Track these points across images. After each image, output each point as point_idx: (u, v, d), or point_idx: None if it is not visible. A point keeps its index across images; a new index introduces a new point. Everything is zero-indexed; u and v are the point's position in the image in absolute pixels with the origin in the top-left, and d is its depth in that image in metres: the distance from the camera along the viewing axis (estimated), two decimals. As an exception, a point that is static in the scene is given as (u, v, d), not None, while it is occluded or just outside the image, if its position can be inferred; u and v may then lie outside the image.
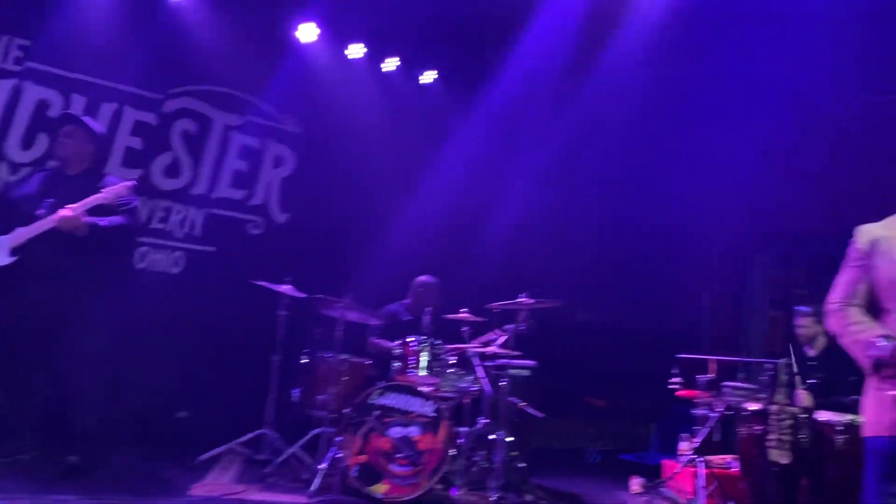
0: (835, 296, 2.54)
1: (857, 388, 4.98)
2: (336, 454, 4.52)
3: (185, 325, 5.68)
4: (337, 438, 4.54)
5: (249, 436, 4.98)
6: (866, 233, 2.49)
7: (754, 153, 7.58)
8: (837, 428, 4.87)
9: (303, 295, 5.06)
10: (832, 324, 2.51)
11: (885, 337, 2.24)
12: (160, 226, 5.95)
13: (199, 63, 5.92)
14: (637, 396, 8.06)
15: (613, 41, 6.15)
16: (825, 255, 7.59)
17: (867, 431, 2.36)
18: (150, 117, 5.83)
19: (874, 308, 2.44)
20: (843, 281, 2.54)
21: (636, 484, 5.83)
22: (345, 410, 4.53)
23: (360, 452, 4.42)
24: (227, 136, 6.25)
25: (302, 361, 5.13)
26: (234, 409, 5.26)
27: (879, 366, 2.26)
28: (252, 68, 6.18)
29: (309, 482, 4.38)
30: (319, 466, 4.45)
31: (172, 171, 6.02)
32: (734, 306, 7.82)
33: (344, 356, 4.97)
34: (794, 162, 7.23)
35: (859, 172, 6.70)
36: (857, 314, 2.45)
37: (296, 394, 5.05)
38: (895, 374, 2.19)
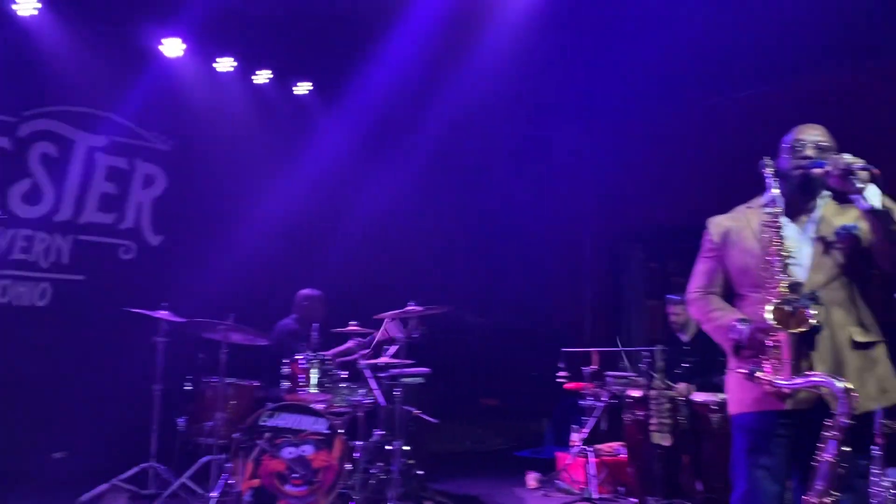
0: (693, 285, 2.70)
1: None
2: (227, 481, 4.38)
3: (56, 359, 5.36)
4: (227, 465, 4.40)
5: (134, 470, 4.74)
6: (717, 225, 2.66)
7: (626, 149, 7.95)
8: (712, 407, 5.18)
9: (181, 319, 4.87)
10: (693, 311, 2.67)
11: (742, 321, 2.40)
12: (22, 256, 5.58)
13: (56, 82, 5.63)
14: (529, 394, 8.27)
15: (479, 40, 6.27)
16: (697, 246, 8.09)
17: (732, 409, 2.52)
18: (3, 142, 5.47)
19: (730, 294, 2.61)
20: (700, 271, 2.70)
21: (532, 479, 5.98)
22: (234, 435, 4.39)
23: (253, 477, 4.30)
24: (92, 158, 5.95)
25: (185, 389, 4.93)
26: (115, 445, 5.01)
27: (738, 348, 2.42)
28: (113, 85, 5.93)
29: (201, 513, 4.23)
30: (211, 495, 4.29)
31: (32, 197, 5.66)
32: (613, 299, 8.17)
33: (230, 380, 4.82)
34: (665, 157, 7.61)
35: (729, 166, 7.14)
36: (715, 301, 2.61)
37: (181, 423, 4.85)
38: (753, 354, 2.34)
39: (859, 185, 2.21)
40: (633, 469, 5.40)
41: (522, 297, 8.56)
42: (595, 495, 5.21)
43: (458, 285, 7.90)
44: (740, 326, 2.39)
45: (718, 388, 5.28)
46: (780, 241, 2.34)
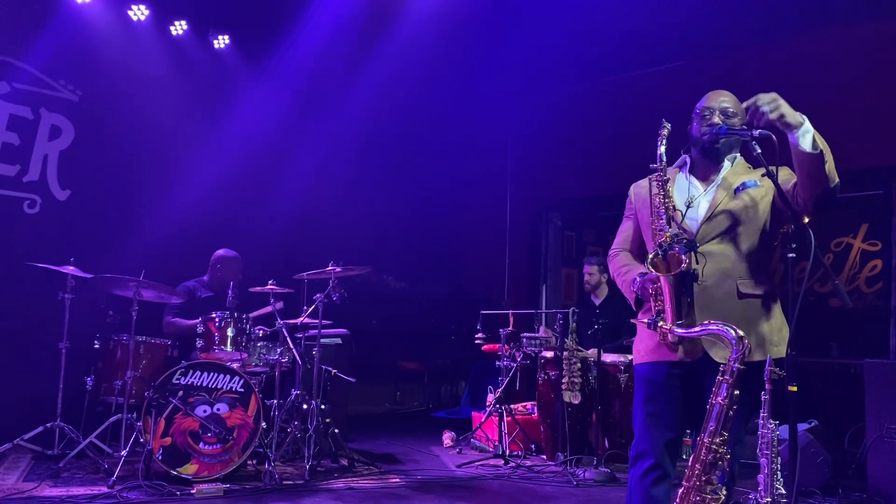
0: (613, 244, 2.81)
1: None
2: (138, 439, 4.30)
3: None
4: (138, 423, 4.32)
5: (38, 430, 4.58)
6: (635, 187, 2.77)
7: (548, 120, 8.08)
8: (620, 367, 5.41)
9: (89, 275, 4.70)
10: (610, 268, 2.78)
11: (641, 275, 2.50)
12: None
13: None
14: (447, 357, 8.41)
15: (406, 6, 6.23)
16: (614, 214, 8.34)
17: (635, 359, 2.64)
18: None
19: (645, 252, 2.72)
20: (620, 230, 2.82)
21: (447, 438, 6.10)
22: (146, 393, 4.30)
23: (165, 435, 4.23)
24: (-9, 106, 5.62)
25: (94, 347, 4.79)
26: (19, 404, 4.82)
27: (639, 301, 2.53)
28: (17, 30, 5.58)
29: (110, 472, 4.13)
30: (120, 454, 4.21)
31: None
32: (532, 266, 8.34)
33: (141, 338, 4.70)
34: (583, 129, 7.77)
35: (645, 140, 7.35)
36: (625, 257, 2.72)
37: (89, 381, 4.71)
38: (651, 307, 2.44)
39: (789, 126, 2.24)
40: (545, 427, 5.59)
41: (443, 263, 8.65)
42: (507, 450, 5.36)
43: (379, 250, 7.91)
44: (639, 279, 2.49)
45: (627, 350, 5.52)
46: (665, 195, 2.44)
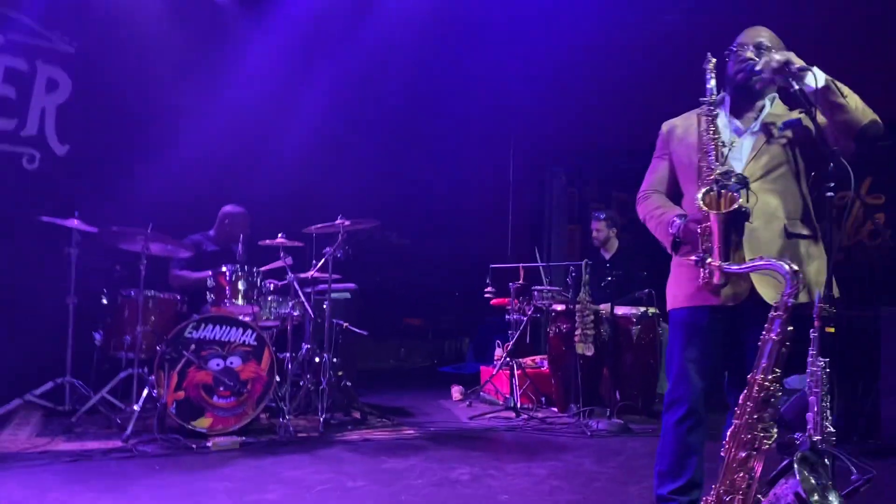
0: (644, 185, 2.72)
1: (647, 283, 5.53)
2: (151, 394, 4.26)
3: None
4: (151, 377, 4.28)
5: (48, 385, 4.54)
6: (666, 125, 2.68)
7: (553, 76, 7.94)
8: (633, 320, 5.39)
9: (94, 229, 4.61)
10: (640, 211, 2.69)
11: (680, 216, 2.44)
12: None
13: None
14: (451, 314, 8.40)
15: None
16: (617, 169, 8.29)
17: (669, 305, 2.58)
18: None
19: (678, 195, 2.65)
20: (650, 171, 2.73)
21: (456, 391, 6.10)
22: (158, 347, 4.25)
23: (178, 389, 4.20)
24: (-14, 58, 5.46)
25: (102, 302, 4.72)
26: (28, 361, 4.75)
27: (677, 244, 2.46)
28: (9, -23, 5.41)
29: (123, 427, 4.10)
30: (133, 408, 4.17)
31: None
32: (536, 222, 8.28)
33: (150, 292, 4.63)
34: (584, 81, 7.65)
35: (645, 92, 7.24)
36: (659, 199, 2.64)
37: (98, 337, 4.66)
38: (690, 249, 2.39)
39: (800, 76, 2.24)
40: (556, 380, 5.58)
41: (446, 220, 8.57)
42: (518, 403, 5.36)
43: (383, 206, 7.81)
44: (678, 222, 2.43)
45: (639, 302, 5.50)
46: (714, 131, 2.37)
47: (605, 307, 5.30)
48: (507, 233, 8.41)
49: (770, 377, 1.93)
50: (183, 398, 4.20)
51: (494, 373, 5.83)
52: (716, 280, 2.24)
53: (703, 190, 2.27)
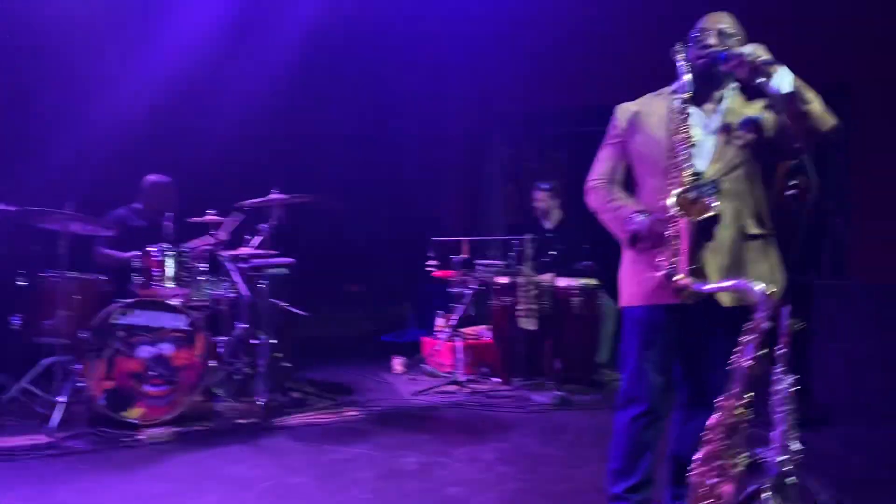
0: (594, 173, 2.62)
1: (589, 255, 5.52)
2: (77, 383, 4.02)
3: None
4: (76, 366, 4.04)
5: (-40, 376, 4.25)
6: (624, 110, 2.57)
7: (481, 37, 7.77)
8: (574, 292, 5.39)
9: (11, 208, 4.27)
10: (592, 200, 2.60)
11: (641, 213, 2.37)
12: None
13: None
14: (392, 279, 8.27)
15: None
16: (555, 129, 8.24)
17: (624, 301, 2.52)
18: None
19: (630, 183, 2.58)
20: (602, 158, 2.62)
21: (398, 364, 6.03)
22: (82, 335, 4.01)
23: (107, 378, 3.98)
24: None
25: (19, 284, 4.40)
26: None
27: (636, 240, 2.40)
28: None
29: (47, 418, 3.87)
30: (58, 399, 3.93)
31: None
32: (475, 184, 8.16)
33: (73, 274, 4.34)
34: (522, 45, 7.51)
35: (583, 54, 7.15)
36: (614, 191, 2.55)
37: (16, 321, 4.36)
38: (650, 246, 2.34)
39: (767, 74, 2.18)
40: (498, 351, 5.57)
41: (386, 183, 8.37)
42: (462, 377, 5.33)
43: (321, 171, 7.57)
44: (639, 217, 2.37)
45: (580, 274, 5.50)
46: (686, 129, 2.30)
47: (546, 277, 5.30)
48: (447, 194, 8.27)
49: (741, 403, 1.90)
50: (112, 387, 3.99)
51: (437, 346, 5.77)
52: (682, 275, 2.20)
53: (677, 192, 2.19)
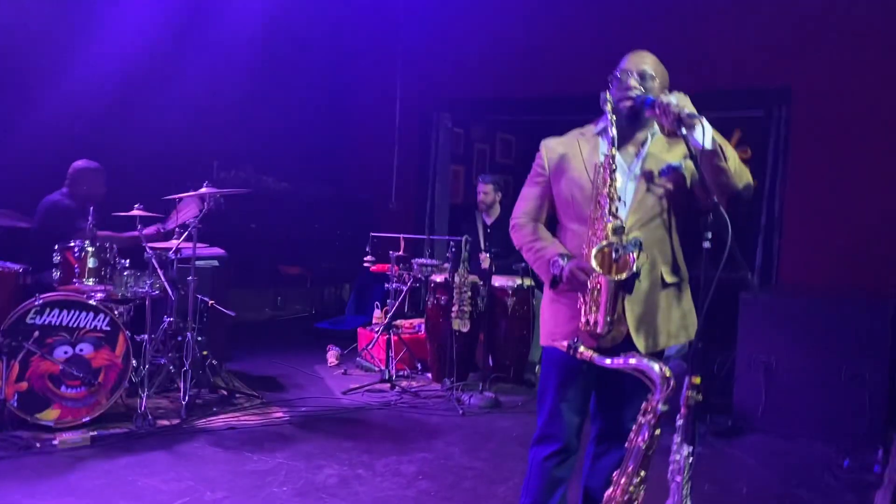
0: (518, 210, 2.59)
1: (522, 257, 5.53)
2: (-12, 384, 3.88)
3: None
4: (-13, 366, 3.88)
5: None
6: (549, 150, 2.53)
7: (430, 18, 7.63)
8: (508, 291, 5.41)
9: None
10: (516, 238, 2.58)
11: (563, 256, 2.35)
12: None
13: None
14: (330, 261, 8.19)
15: None
16: (502, 112, 8.19)
17: (545, 341, 2.51)
18: None
19: (554, 221, 2.56)
20: (527, 196, 2.59)
21: (332, 356, 5.98)
22: (-6, 335, 3.85)
23: (20, 380, 3.84)
24: None
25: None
26: None
27: (556, 282, 2.39)
28: None
29: (-44, 420, 3.74)
30: (-32, 400, 3.79)
31: None
32: (419, 166, 8.08)
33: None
34: (475, 28, 7.40)
35: (532, 38, 7.09)
36: (535, 230, 2.53)
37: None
38: (569, 288, 2.33)
39: (690, 126, 2.17)
40: (432, 348, 5.57)
41: (329, 164, 8.24)
42: (394, 374, 5.32)
43: (260, 150, 7.41)
44: (561, 262, 2.34)
45: (515, 273, 5.51)
46: (613, 182, 2.27)
47: (483, 256, 5.32)
48: (391, 176, 8.17)
49: (636, 480, 1.91)
50: (25, 389, 3.86)
51: (371, 343, 5.74)
52: (599, 331, 2.21)
53: (597, 249, 2.18)
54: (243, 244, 6.56)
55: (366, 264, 5.71)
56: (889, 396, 4.36)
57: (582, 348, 1.98)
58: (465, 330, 5.09)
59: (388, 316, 5.56)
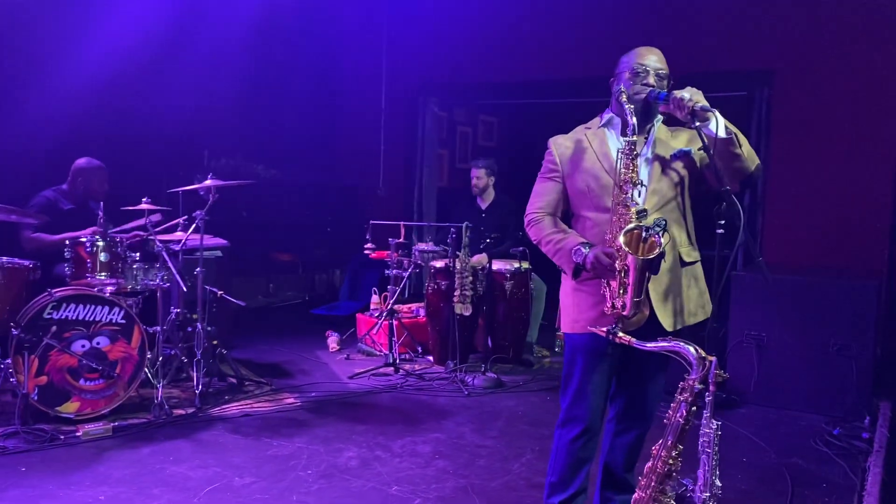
0: (533, 206, 2.70)
1: (522, 241, 5.66)
2: (7, 380, 3.93)
3: None
4: (5, 362, 3.94)
5: None
6: (559, 146, 2.65)
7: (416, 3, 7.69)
8: (506, 275, 5.56)
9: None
10: (532, 233, 2.68)
11: (584, 244, 2.47)
12: None
13: None
14: (322, 247, 8.27)
15: None
16: (486, 95, 8.29)
17: (567, 328, 2.64)
18: None
19: (568, 215, 2.69)
20: (540, 192, 2.70)
21: (332, 341, 6.09)
22: (13, 330, 3.90)
23: (40, 374, 3.90)
24: None
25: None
26: None
27: (579, 271, 2.51)
28: None
29: (-24, 415, 3.80)
30: (-13, 395, 3.85)
31: None
32: (407, 151, 8.16)
33: (-1, 260, 4.19)
34: (462, 13, 7.46)
35: (516, 23, 7.18)
36: (553, 223, 2.64)
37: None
38: (593, 276, 2.46)
39: (704, 119, 2.31)
40: (433, 333, 5.70)
41: (318, 150, 8.28)
42: (397, 359, 5.45)
43: (250, 137, 7.43)
44: (583, 250, 2.45)
45: (511, 257, 5.66)
46: (635, 169, 2.39)
47: (478, 258, 5.44)
48: (378, 161, 8.24)
49: (674, 453, 2.07)
50: (46, 383, 3.93)
51: (372, 328, 5.86)
52: (626, 313, 2.33)
53: (626, 229, 2.30)
54: (234, 232, 6.60)
55: (366, 251, 5.80)
56: (874, 367, 4.60)
57: (621, 333, 2.12)
58: (466, 314, 5.23)
59: (391, 301, 5.67)
